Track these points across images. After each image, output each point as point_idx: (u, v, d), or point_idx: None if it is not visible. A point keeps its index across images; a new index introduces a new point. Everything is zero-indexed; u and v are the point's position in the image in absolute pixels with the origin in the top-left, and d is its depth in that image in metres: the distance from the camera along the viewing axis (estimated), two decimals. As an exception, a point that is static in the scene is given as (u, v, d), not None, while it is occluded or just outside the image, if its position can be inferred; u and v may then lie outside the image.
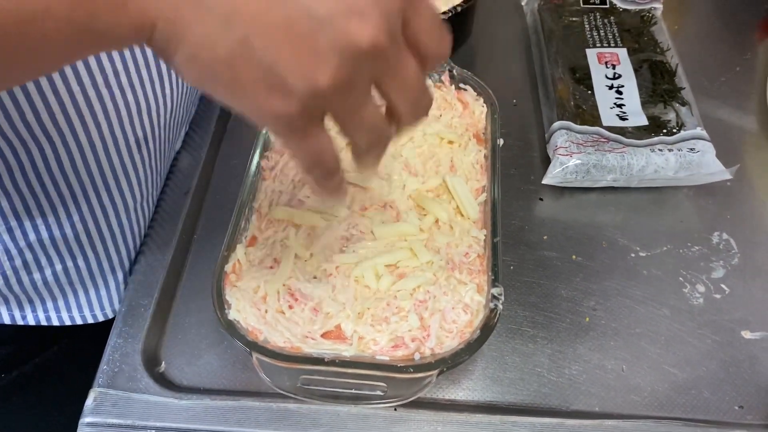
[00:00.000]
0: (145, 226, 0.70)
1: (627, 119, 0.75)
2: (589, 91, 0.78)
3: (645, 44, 0.84)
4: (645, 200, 0.74)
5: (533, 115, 0.83)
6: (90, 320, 0.70)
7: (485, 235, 0.63)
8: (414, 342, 0.56)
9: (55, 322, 0.68)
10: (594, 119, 0.76)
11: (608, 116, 0.76)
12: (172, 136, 0.71)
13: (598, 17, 0.87)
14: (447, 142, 0.70)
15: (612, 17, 0.87)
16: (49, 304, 0.67)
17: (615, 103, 0.77)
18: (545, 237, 0.71)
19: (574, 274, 0.68)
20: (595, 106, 0.77)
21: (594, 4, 0.89)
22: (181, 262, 0.69)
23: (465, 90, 0.75)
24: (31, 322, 0.67)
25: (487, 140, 0.71)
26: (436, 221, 0.64)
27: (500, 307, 0.57)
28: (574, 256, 0.70)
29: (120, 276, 0.70)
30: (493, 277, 0.59)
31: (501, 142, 0.69)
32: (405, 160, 0.67)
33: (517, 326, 0.64)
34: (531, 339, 0.64)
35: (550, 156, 0.74)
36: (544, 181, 0.73)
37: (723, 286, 0.68)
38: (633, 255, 0.70)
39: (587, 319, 0.65)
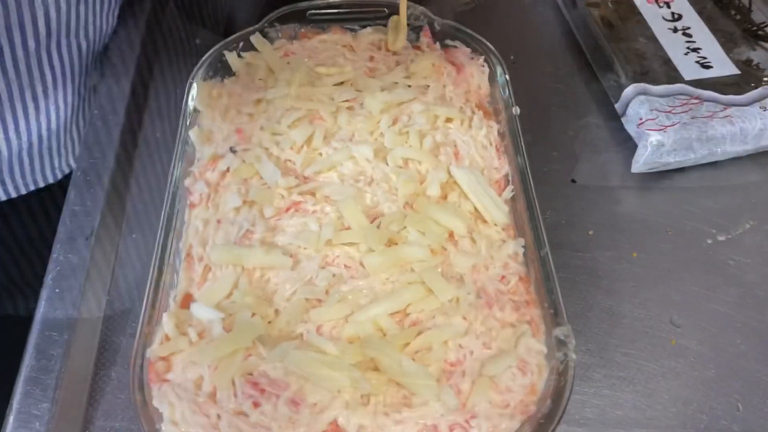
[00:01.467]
0: None
1: (711, 67, 0.58)
2: (650, 39, 0.60)
3: None
4: (701, 166, 0.56)
5: (540, 72, 0.64)
6: None
7: (524, 247, 0.43)
8: (454, 431, 0.36)
9: None
10: (671, 74, 0.57)
11: (687, 67, 0.58)
12: None
13: None
14: (444, 120, 0.50)
15: None
16: None
17: (688, 48, 0.59)
18: (591, 232, 0.53)
19: (639, 278, 0.50)
20: (665, 57, 0.58)
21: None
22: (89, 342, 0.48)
23: (455, 48, 0.55)
24: None
25: (497, 111, 0.51)
26: (450, 235, 0.44)
27: (572, 356, 0.38)
28: (634, 254, 0.51)
29: None
30: (552, 311, 0.40)
31: (517, 110, 0.50)
32: (391, 155, 0.47)
33: (582, 368, 0.46)
34: (604, 382, 0.45)
35: (632, 134, 0.56)
36: (634, 170, 0.55)
37: (837, 267, 0.50)
38: (710, 241, 0.52)
39: (673, 341, 0.47)
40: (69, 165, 0.66)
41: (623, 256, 0.52)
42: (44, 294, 0.49)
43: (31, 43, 0.55)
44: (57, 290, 0.49)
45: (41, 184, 0.64)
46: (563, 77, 0.64)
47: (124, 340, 0.48)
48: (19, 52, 0.55)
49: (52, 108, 0.60)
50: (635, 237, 0.53)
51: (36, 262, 0.74)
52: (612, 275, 0.50)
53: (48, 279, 0.49)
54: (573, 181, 0.56)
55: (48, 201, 0.68)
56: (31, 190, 0.64)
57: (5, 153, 0.59)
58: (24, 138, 0.60)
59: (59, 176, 0.65)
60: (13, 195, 0.63)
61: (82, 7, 0.58)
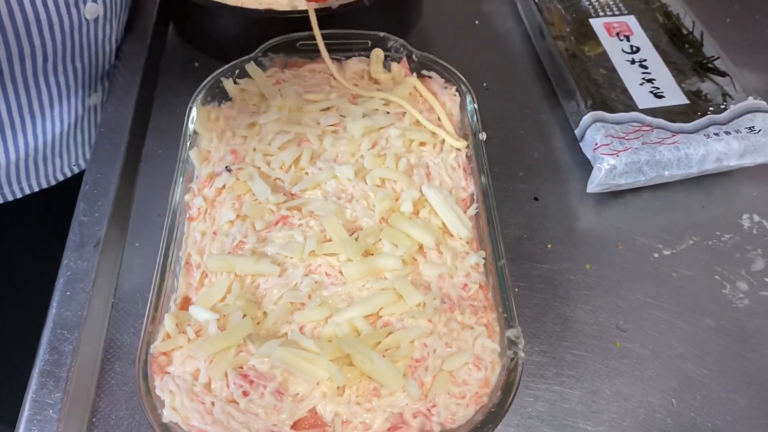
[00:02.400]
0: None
1: (664, 96, 0.63)
2: (609, 71, 0.66)
3: (655, 11, 0.72)
4: (652, 187, 0.62)
5: (510, 99, 0.70)
6: None
7: (485, 259, 0.49)
8: (417, 418, 0.42)
9: None
10: (627, 102, 0.63)
11: (642, 96, 0.63)
12: None
13: None
14: (418, 143, 0.56)
15: None
16: None
17: (644, 79, 0.65)
18: (549, 246, 0.58)
19: (591, 287, 0.56)
20: (623, 87, 0.64)
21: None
22: (96, 339, 0.53)
23: (430, 78, 0.61)
24: None
25: (466, 135, 0.57)
26: (420, 247, 0.50)
27: (521, 354, 0.43)
28: (587, 266, 0.57)
29: None
30: (505, 315, 0.45)
31: (483, 136, 0.56)
32: (370, 175, 0.53)
33: (535, 366, 0.51)
34: (555, 380, 0.51)
35: (589, 157, 0.61)
36: (589, 190, 0.60)
37: (767, 280, 0.56)
38: (656, 255, 0.58)
39: (618, 344, 0.53)
40: (63, 173, 0.72)
41: (578, 267, 0.57)
42: (56, 296, 0.54)
43: (29, 68, 0.61)
44: (68, 293, 0.54)
45: (36, 189, 0.71)
46: (531, 104, 0.70)
47: (128, 338, 0.53)
48: (18, 76, 0.61)
49: (48, 124, 0.66)
50: (589, 250, 0.58)
51: (40, 260, 0.80)
52: (567, 285, 0.56)
53: (59, 283, 0.55)
54: (536, 198, 0.62)
55: (43, 203, 0.74)
56: (26, 194, 0.70)
57: (3, 162, 0.65)
58: (22, 150, 0.65)
59: (53, 183, 0.72)
60: (9, 198, 0.69)
61: (76, 35, 0.63)
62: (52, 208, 0.76)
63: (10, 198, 0.70)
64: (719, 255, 0.58)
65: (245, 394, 0.42)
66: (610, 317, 0.54)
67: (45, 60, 0.62)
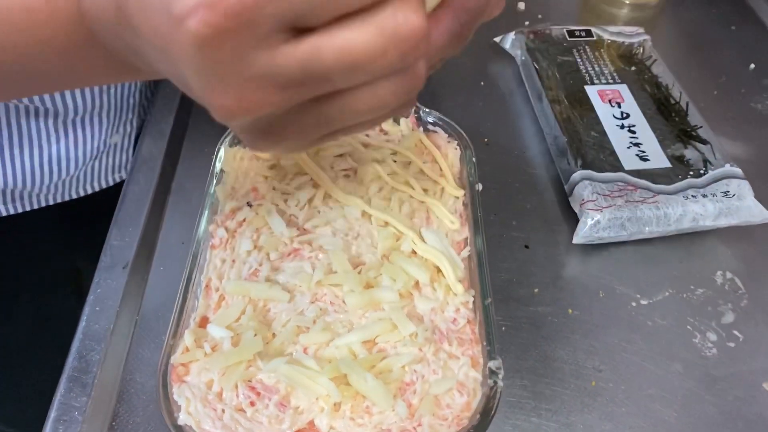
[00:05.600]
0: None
1: (648, 160, 0.69)
2: (600, 133, 0.72)
3: (646, 81, 0.79)
4: (635, 241, 0.68)
5: (509, 154, 0.76)
6: None
7: (474, 297, 0.54)
8: (403, 435, 0.47)
9: None
10: (614, 163, 0.69)
11: (628, 158, 0.69)
12: None
13: (588, 51, 0.82)
14: (421, 190, 0.62)
15: (602, 50, 0.82)
16: None
17: (631, 142, 0.71)
18: (536, 290, 0.63)
19: (572, 330, 0.61)
20: (611, 149, 0.70)
21: (580, 36, 0.84)
22: (120, 352, 0.59)
23: (435, 132, 0.67)
24: None
25: (463, 185, 0.63)
26: (416, 284, 0.55)
27: (500, 384, 0.48)
28: (570, 310, 0.62)
29: None
30: (488, 348, 0.51)
31: (480, 187, 0.62)
32: (374, 216, 0.59)
33: (516, 399, 0.56)
34: (534, 412, 0.55)
35: (577, 211, 0.67)
36: (574, 241, 0.65)
37: (735, 332, 0.61)
38: (634, 304, 0.63)
39: (593, 383, 0.57)
40: (77, 193, 0.78)
41: (561, 311, 0.62)
42: (86, 311, 0.60)
43: (51, 123, 0.68)
44: (97, 308, 0.60)
45: (51, 202, 0.77)
46: (528, 159, 0.76)
47: (149, 353, 0.59)
48: (42, 127, 0.68)
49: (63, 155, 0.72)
50: (572, 296, 0.63)
51: (53, 270, 0.85)
52: (550, 326, 0.61)
53: (90, 299, 0.61)
54: (526, 246, 0.67)
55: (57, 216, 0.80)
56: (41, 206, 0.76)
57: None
58: (37, 167, 0.72)
59: (67, 198, 0.78)
60: (19, 210, 0.75)
61: (104, 96, 0.70)
62: (65, 221, 0.82)
63: (20, 210, 0.75)
64: (692, 307, 0.63)
65: (252, 404, 0.47)
66: (588, 358, 0.59)
67: (75, 114, 0.69)
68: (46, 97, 0.66)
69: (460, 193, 0.62)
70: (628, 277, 0.65)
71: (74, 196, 0.79)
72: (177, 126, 0.76)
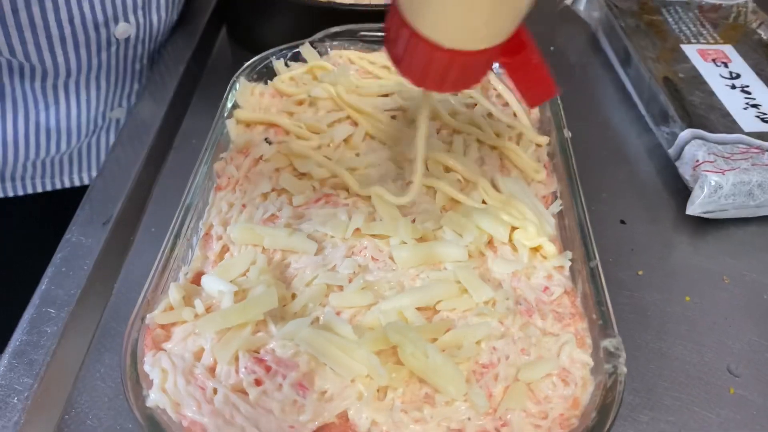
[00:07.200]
0: None
1: None
2: (707, 94, 0.58)
3: (754, 42, 0.65)
4: (759, 219, 0.52)
5: (588, 123, 0.62)
6: None
7: (571, 261, 0.39)
8: (481, 438, 0.31)
9: None
10: (729, 125, 0.55)
11: (746, 120, 0.56)
12: None
13: (680, 11, 0.69)
14: (493, 134, 0.48)
15: (695, 11, 0.70)
16: None
17: (747, 103, 0.57)
18: (640, 272, 0.48)
19: (692, 322, 0.45)
20: (724, 111, 0.57)
21: (669, -6, 0.72)
22: (87, 325, 0.44)
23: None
24: None
25: (547, 133, 0.49)
26: (490, 241, 0.40)
27: (623, 369, 0.33)
28: (687, 297, 0.47)
29: None
30: (601, 322, 0.35)
31: (569, 133, 0.48)
32: (431, 159, 0.45)
33: (626, 408, 0.40)
34: (653, 425, 0.39)
35: (688, 177, 0.52)
36: (688, 212, 0.51)
37: None
38: (771, 295, 0.47)
39: (732, 390, 0.41)
40: (71, 180, 0.67)
41: (675, 299, 0.47)
42: (49, 271, 0.46)
43: (50, 83, 0.58)
44: (64, 269, 0.46)
45: (39, 190, 0.66)
46: (614, 128, 0.62)
47: (125, 328, 0.44)
48: (37, 88, 0.58)
49: (63, 133, 0.62)
50: (688, 282, 0.48)
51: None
52: (663, 317, 0.45)
53: (57, 257, 0.47)
54: (622, 222, 0.52)
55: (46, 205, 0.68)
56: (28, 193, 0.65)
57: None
58: (33, 146, 0.61)
59: (58, 186, 0.67)
60: (10, 194, 0.64)
61: (104, 54, 0.59)
62: (52, 213, 0.70)
63: (11, 194, 0.64)
64: None
65: (258, 382, 0.32)
66: (717, 358, 0.43)
67: (68, 76, 0.57)
68: (32, 53, 0.54)
69: (544, 139, 0.48)
70: (758, 262, 0.50)
71: (68, 185, 0.67)
72: (186, 78, 0.63)
